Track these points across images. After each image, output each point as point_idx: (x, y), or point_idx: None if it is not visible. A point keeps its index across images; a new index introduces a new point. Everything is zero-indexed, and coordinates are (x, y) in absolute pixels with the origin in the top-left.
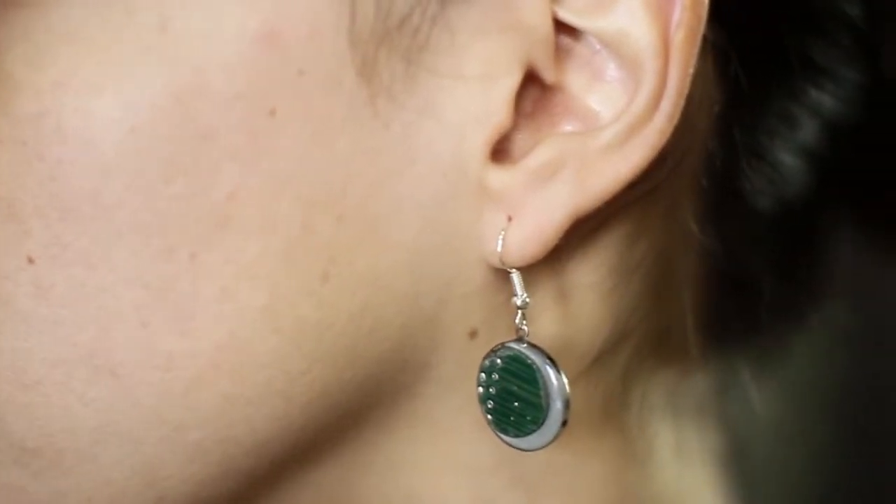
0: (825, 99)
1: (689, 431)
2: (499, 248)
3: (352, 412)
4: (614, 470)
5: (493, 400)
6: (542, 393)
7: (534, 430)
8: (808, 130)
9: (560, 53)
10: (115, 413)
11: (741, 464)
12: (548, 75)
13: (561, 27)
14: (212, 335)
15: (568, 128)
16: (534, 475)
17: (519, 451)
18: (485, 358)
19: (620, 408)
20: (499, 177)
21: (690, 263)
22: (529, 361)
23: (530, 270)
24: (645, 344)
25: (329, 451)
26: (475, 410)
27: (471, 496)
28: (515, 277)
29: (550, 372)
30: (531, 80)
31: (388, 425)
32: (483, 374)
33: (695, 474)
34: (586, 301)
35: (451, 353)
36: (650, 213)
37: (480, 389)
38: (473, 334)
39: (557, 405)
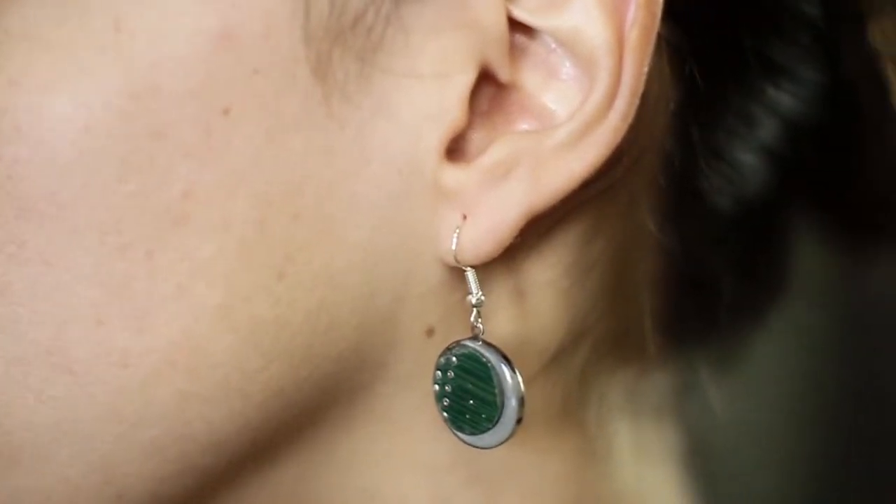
0: (784, 98)
1: (649, 430)
2: (453, 247)
3: (309, 410)
4: (573, 468)
5: (448, 398)
6: (496, 391)
7: (489, 428)
8: (767, 129)
9: (515, 52)
10: (72, 410)
11: (703, 462)
12: (503, 74)
13: (516, 26)
14: (167, 332)
15: (524, 126)
16: (491, 473)
17: (476, 450)
18: (440, 356)
19: (579, 406)
20: (454, 175)
21: (649, 262)
22: (484, 359)
23: (486, 269)
24: (603, 343)
25: (287, 449)
26: (432, 409)
27: (429, 494)
28: (470, 276)
29: (505, 370)
30: (487, 79)
31: (346, 424)
32: (439, 373)
33: (654, 473)
34: (543, 299)
35: (408, 351)
36: (607, 211)
37: (436, 388)
38: (430, 332)
39: (512, 403)
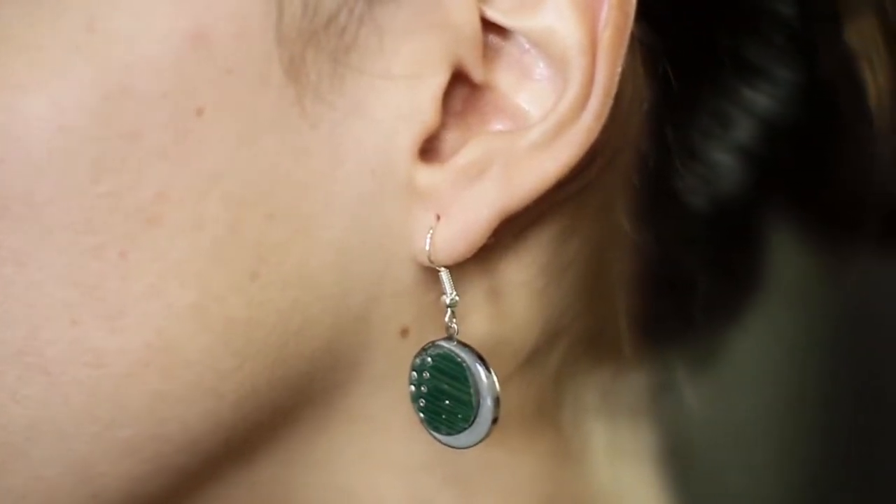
0: (759, 98)
1: (625, 430)
2: (427, 247)
3: (284, 410)
4: (549, 468)
5: (424, 398)
6: (472, 391)
7: (465, 428)
8: (742, 129)
9: (489, 52)
10: (47, 410)
11: (680, 462)
12: (476, 74)
13: (490, 26)
14: (141, 333)
15: (498, 127)
16: (468, 473)
17: (453, 449)
18: (416, 357)
19: (554, 407)
20: (427, 175)
21: (624, 262)
22: (459, 360)
23: (460, 269)
24: (578, 343)
25: (264, 448)
26: (408, 409)
27: (406, 494)
28: (444, 276)
29: (480, 370)
30: (461, 80)
31: (322, 424)
32: (414, 373)
33: (630, 473)
34: (518, 299)
35: (383, 351)
36: (582, 212)
37: (412, 388)
38: (405, 333)
39: (488, 403)
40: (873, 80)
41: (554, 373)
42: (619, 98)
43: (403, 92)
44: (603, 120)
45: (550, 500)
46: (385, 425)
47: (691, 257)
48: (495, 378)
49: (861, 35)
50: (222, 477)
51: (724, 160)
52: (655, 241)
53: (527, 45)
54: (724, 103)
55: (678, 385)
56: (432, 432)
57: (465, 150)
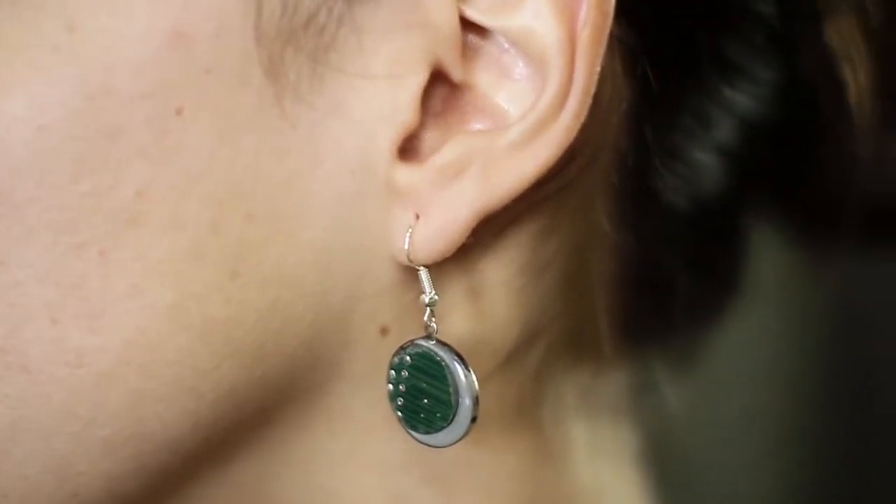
0: (740, 97)
1: (605, 430)
2: (406, 246)
3: (264, 409)
4: (529, 467)
5: (402, 397)
6: (451, 390)
7: (444, 427)
8: (722, 129)
9: (468, 52)
10: (27, 409)
11: (660, 462)
12: (455, 74)
13: (469, 26)
14: (121, 331)
15: (477, 126)
16: (447, 472)
17: (432, 448)
18: (394, 355)
19: (534, 406)
20: (406, 175)
21: (604, 262)
22: (438, 358)
23: (440, 268)
24: (558, 342)
25: (244, 447)
26: (387, 408)
27: (386, 492)
28: (423, 275)
29: (459, 369)
30: (440, 79)
31: (302, 422)
32: (393, 372)
33: (610, 472)
34: (497, 299)
35: (362, 350)
36: (561, 211)
37: (390, 387)
38: (385, 332)
39: (466, 402)
40: (853, 80)
41: (534, 372)
42: (598, 97)
43: (383, 92)
44: (582, 119)
45: (530, 500)
46: (365, 424)
47: (671, 257)
48: (474, 377)
49: (841, 34)
50: (202, 476)
51: (704, 159)
52: (635, 240)
53: (506, 45)
54: (705, 102)
55: (659, 385)
56: (410, 431)
57: (444, 150)
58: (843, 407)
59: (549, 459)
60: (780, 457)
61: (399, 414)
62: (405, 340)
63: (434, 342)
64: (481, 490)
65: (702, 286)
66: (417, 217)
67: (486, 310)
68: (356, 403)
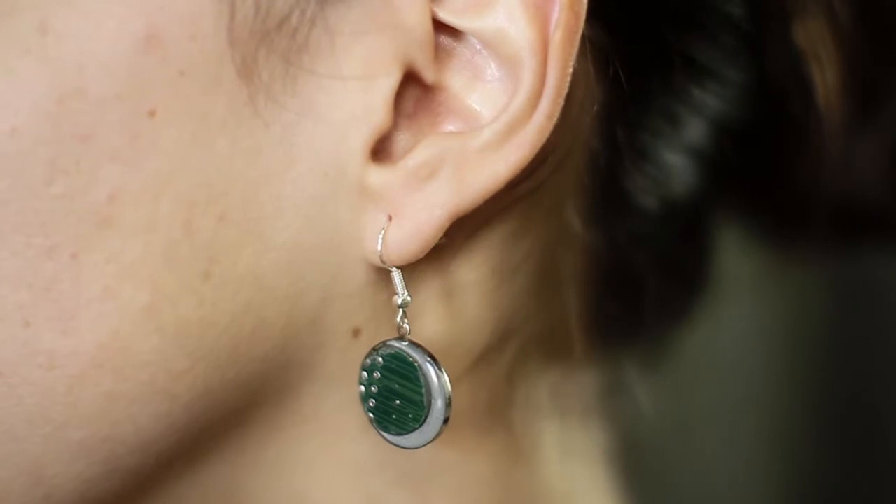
0: (709, 98)
1: (576, 430)
2: (379, 248)
3: (237, 411)
4: (500, 468)
5: (374, 398)
6: (423, 391)
7: (416, 428)
8: (692, 130)
9: (441, 54)
10: (1, 411)
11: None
12: (428, 75)
13: (442, 27)
14: (94, 334)
15: (450, 127)
16: (419, 473)
17: (403, 450)
18: (366, 357)
19: (506, 406)
20: (379, 176)
21: (575, 262)
22: (411, 359)
23: (413, 269)
24: (530, 343)
25: (216, 450)
26: (359, 409)
27: (357, 494)
28: (396, 276)
29: (431, 370)
30: (412, 81)
31: (275, 424)
32: (364, 373)
33: (581, 472)
34: (469, 299)
35: (335, 351)
36: (533, 212)
37: (362, 388)
38: (357, 333)
39: (439, 403)
40: (822, 80)
41: (505, 373)
42: (570, 98)
43: (355, 93)
44: (554, 120)
45: (500, 500)
46: (336, 426)
47: (642, 256)
48: (447, 378)
49: (809, 34)
50: (174, 478)
51: (673, 160)
52: (606, 240)
53: (478, 47)
54: (674, 103)
55: (629, 384)
56: (382, 432)
57: (417, 151)
58: (817, 405)
59: (519, 460)
60: (752, 455)
61: (371, 415)
62: (377, 342)
63: (406, 343)
64: (453, 491)
65: (670, 286)
66: (390, 218)
67: (459, 311)
68: (327, 405)
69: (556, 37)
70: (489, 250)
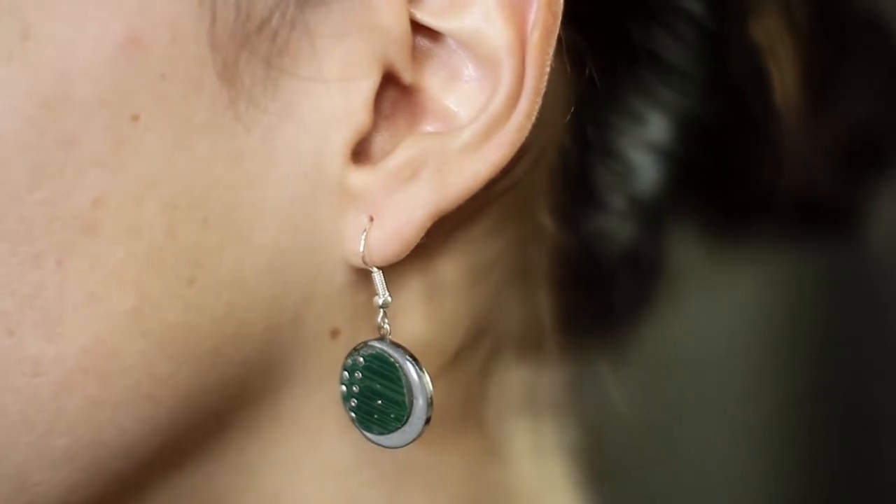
0: (673, 96)
1: (547, 427)
2: (361, 249)
3: (218, 413)
4: (474, 466)
5: (356, 398)
6: (405, 391)
7: (398, 428)
8: (655, 127)
9: (418, 55)
10: None
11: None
12: (406, 76)
13: (419, 28)
14: (79, 340)
15: (428, 128)
16: (395, 473)
17: (380, 450)
18: (347, 357)
19: (479, 405)
20: (359, 177)
21: (546, 259)
22: (392, 359)
23: (392, 269)
24: (502, 340)
25: (196, 452)
26: (337, 410)
27: (335, 495)
28: (377, 277)
29: (412, 369)
30: (391, 82)
31: (254, 426)
32: (346, 373)
33: (552, 470)
34: (446, 298)
35: (314, 353)
36: (507, 210)
37: (343, 388)
38: (335, 334)
39: (420, 402)
40: (779, 77)
41: (479, 371)
42: (545, 97)
43: (336, 94)
44: (533, 119)
45: (475, 498)
46: (314, 427)
47: (608, 253)
48: (427, 378)
49: (767, 31)
50: (154, 480)
51: (638, 158)
52: (575, 237)
53: (455, 47)
54: (640, 101)
55: (600, 380)
56: (364, 432)
57: (398, 152)
58: (791, 400)
59: (492, 458)
60: (728, 452)
61: (353, 415)
62: (355, 342)
63: (387, 343)
64: (427, 489)
65: (635, 281)
66: (371, 219)
67: (435, 310)
68: (305, 407)
69: (534, 36)
70: (465, 249)
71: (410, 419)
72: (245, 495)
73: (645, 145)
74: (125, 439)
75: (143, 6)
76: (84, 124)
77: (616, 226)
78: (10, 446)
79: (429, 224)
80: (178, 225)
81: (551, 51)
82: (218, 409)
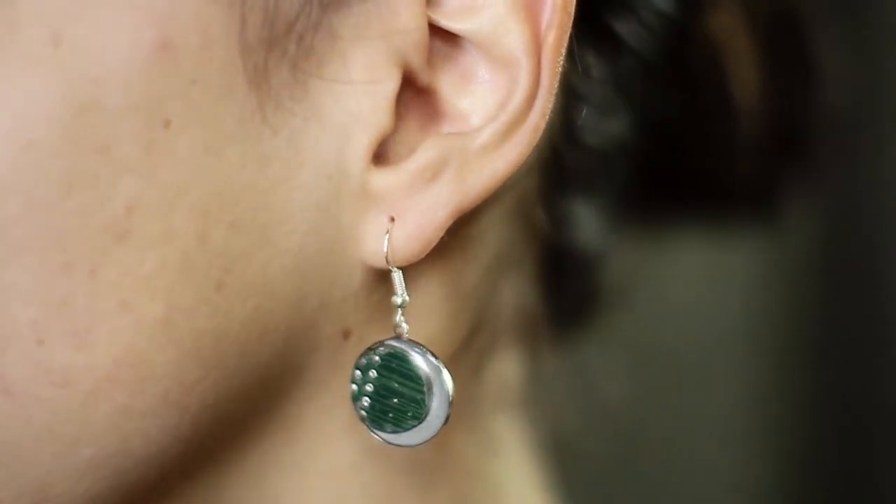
0: (639, 89)
1: (521, 423)
2: (384, 249)
3: (236, 419)
4: (471, 462)
5: (369, 397)
6: (424, 388)
7: (414, 426)
8: (617, 122)
9: (435, 56)
10: (9, 432)
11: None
12: (423, 78)
13: (435, 31)
14: (109, 349)
15: (444, 129)
16: (394, 472)
17: (380, 450)
18: (361, 356)
19: (473, 401)
20: (381, 179)
21: (532, 254)
22: (411, 358)
23: (406, 269)
24: (494, 337)
25: (209, 458)
26: (342, 411)
27: (333, 497)
28: (396, 277)
29: (432, 368)
30: (409, 84)
31: (264, 430)
32: (358, 372)
33: (524, 467)
34: (453, 296)
35: (324, 354)
36: (503, 207)
37: (354, 387)
38: (347, 335)
39: (439, 400)
40: (737, 70)
41: (475, 367)
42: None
43: (359, 96)
44: (547, 117)
45: (471, 495)
46: (317, 429)
47: (584, 245)
48: (448, 376)
49: (724, 25)
50: (169, 490)
51: (607, 150)
52: (557, 231)
53: (470, 49)
54: (608, 92)
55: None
56: (375, 431)
57: (419, 153)
58: (773, 390)
59: (488, 453)
60: (716, 444)
61: (364, 414)
62: (365, 343)
63: (407, 342)
64: (423, 489)
65: (604, 274)
66: (392, 220)
67: (441, 307)
68: (311, 408)
69: (550, 37)
70: (470, 247)
71: (428, 418)
72: (247, 498)
73: (608, 139)
74: (149, 448)
75: (174, 12)
76: (116, 131)
77: (589, 217)
78: (34, 458)
79: (449, 223)
80: (208, 231)
81: (563, 50)
82: (237, 415)
